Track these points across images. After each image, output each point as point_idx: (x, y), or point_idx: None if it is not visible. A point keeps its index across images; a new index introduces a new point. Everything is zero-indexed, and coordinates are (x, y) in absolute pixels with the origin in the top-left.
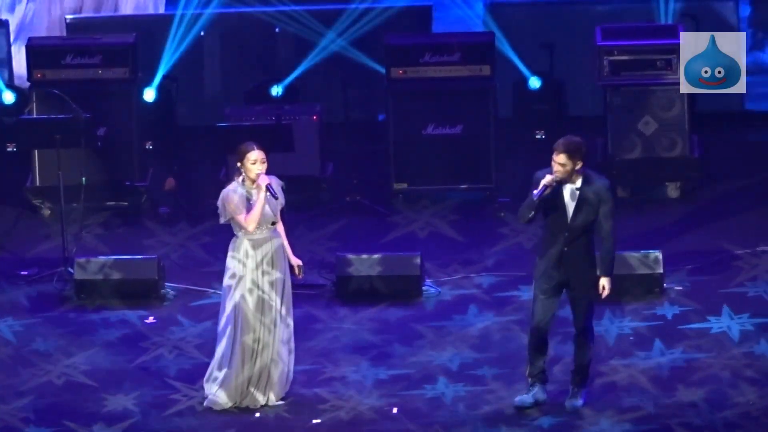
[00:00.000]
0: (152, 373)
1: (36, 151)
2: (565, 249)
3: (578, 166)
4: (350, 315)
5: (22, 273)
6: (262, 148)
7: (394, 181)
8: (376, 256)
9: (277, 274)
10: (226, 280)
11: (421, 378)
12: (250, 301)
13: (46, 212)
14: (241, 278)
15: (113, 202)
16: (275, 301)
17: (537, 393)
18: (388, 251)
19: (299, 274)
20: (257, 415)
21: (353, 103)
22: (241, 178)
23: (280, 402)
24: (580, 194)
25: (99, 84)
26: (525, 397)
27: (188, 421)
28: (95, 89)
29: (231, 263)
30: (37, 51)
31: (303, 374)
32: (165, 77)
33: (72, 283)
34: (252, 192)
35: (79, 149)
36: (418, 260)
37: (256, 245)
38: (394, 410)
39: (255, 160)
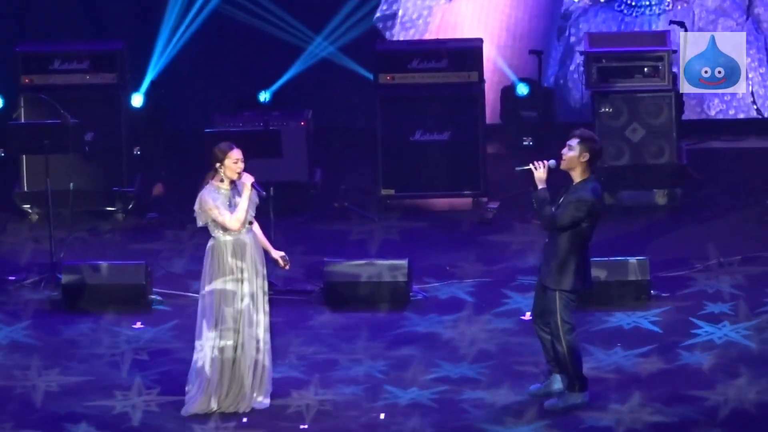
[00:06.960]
0: (141, 375)
1: (24, 156)
2: (546, 240)
3: (584, 158)
4: (337, 321)
5: (10, 278)
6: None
7: (382, 187)
8: (363, 262)
9: (259, 270)
10: (209, 285)
11: (409, 384)
12: (236, 305)
13: (34, 217)
14: (225, 280)
15: (101, 208)
16: (260, 299)
17: (548, 384)
18: (375, 257)
19: (285, 265)
20: (245, 420)
21: (341, 108)
22: (218, 179)
23: (266, 402)
24: (567, 190)
25: (87, 89)
26: (535, 386)
27: (174, 426)
28: (83, 94)
29: (214, 265)
30: (25, 56)
31: (290, 380)
32: (153, 84)
33: (60, 289)
34: (222, 191)
35: (67, 155)
36: (405, 266)
37: (237, 245)
38: (381, 416)
39: (237, 159)
